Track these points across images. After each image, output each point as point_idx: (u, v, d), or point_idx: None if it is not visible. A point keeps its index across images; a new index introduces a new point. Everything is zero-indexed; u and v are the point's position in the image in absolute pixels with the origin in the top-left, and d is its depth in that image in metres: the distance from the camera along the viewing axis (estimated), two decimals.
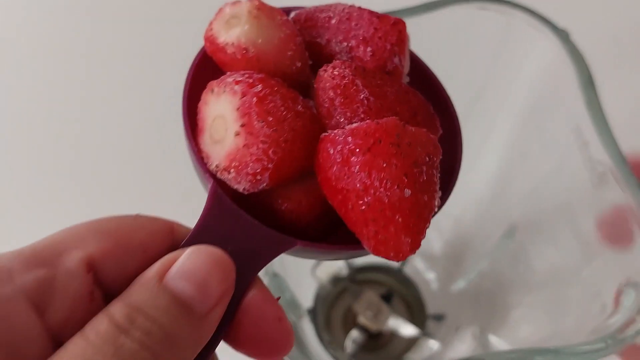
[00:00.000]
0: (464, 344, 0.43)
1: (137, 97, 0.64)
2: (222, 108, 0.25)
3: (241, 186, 0.25)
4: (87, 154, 0.61)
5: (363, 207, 0.23)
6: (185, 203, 0.57)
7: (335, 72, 0.26)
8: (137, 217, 0.23)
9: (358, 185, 0.23)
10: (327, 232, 0.27)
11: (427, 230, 0.45)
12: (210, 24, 0.28)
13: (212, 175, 0.25)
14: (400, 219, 0.23)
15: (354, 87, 0.25)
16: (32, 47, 0.69)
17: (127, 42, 0.69)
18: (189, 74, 0.29)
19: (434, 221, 0.47)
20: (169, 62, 0.67)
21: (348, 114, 0.25)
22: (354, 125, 0.24)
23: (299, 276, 0.47)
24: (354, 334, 0.47)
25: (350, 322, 0.47)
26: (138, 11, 0.71)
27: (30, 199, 0.59)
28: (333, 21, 0.28)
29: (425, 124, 0.28)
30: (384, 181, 0.23)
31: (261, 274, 0.34)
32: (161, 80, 0.65)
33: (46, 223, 0.56)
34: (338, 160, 0.23)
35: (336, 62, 0.26)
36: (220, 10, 0.28)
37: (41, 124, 0.63)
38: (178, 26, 0.69)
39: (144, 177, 0.60)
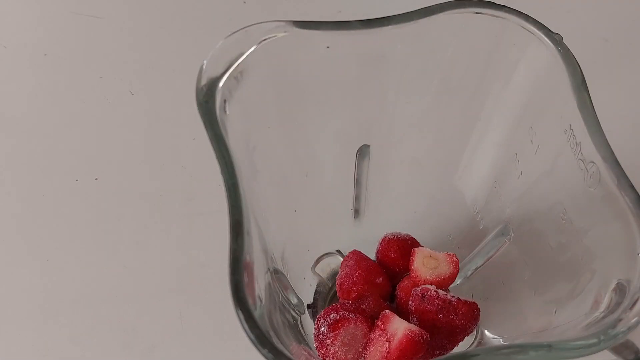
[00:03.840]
0: None
1: (140, 97, 0.65)
2: None
3: None
4: (89, 154, 0.61)
5: None
6: (187, 204, 0.58)
7: None
8: None
9: None
10: None
11: (424, 230, 0.46)
12: None
13: None
14: None
15: None
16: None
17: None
18: None
19: (430, 221, 0.48)
20: (176, 57, 0.67)
21: None
22: None
23: (300, 273, 0.48)
24: None
25: None
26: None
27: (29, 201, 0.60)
28: None
29: None
30: None
31: (262, 271, 0.36)
32: (166, 81, 0.65)
33: (49, 220, 0.57)
34: None
35: None
36: None
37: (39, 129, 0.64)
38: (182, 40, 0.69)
39: (145, 178, 0.60)
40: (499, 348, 0.28)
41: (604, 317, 0.30)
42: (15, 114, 0.64)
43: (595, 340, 0.27)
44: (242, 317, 0.27)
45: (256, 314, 0.28)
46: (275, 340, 0.29)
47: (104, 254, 0.56)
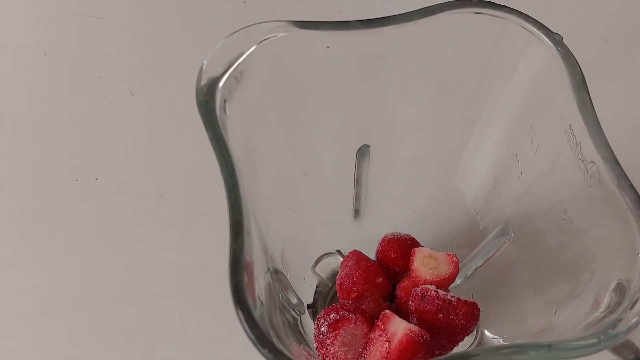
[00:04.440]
0: None
1: (140, 97, 0.65)
2: None
3: None
4: (89, 154, 0.61)
5: None
6: (187, 204, 0.58)
7: None
8: None
9: None
10: None
11: (424, 230, 0.46)
12: None
13: None
14: None
15: None
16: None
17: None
18: None
19: (430, 221, 0.48)
20: (177, 54, 0.67)
21: None
22: None
23: (300, 273, 0.48)
24: None
25: None
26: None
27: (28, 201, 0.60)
28: None
29: None
30: None
31: (262, 271, 0.35)
32: (166, 81, 0.65)
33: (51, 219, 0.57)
34: None
35: None
36: None
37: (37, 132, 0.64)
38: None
39: (145, 178, 0.60)
40: (499, 348, 0.28)
41: (604, 317, 0.30)
42: (15, 114, 0.64)
43: (595, 340, 0.27)
44: (242, 317, 0.27)
45: (256, 314, 0.28)
46: (275, 340, 0.29)
47: (104, 254, 0.56)
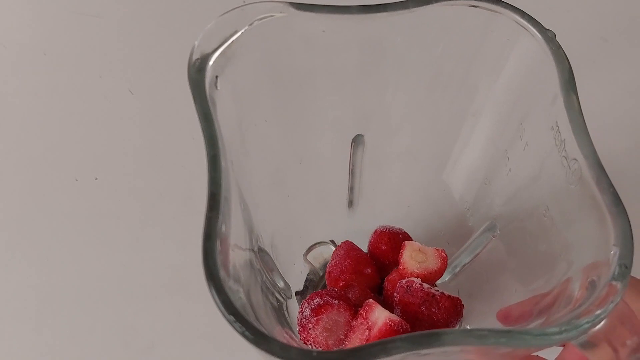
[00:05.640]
0: None
1: (139, 96, 0.65)
2: None
3: None
4: (89, 154, 0.62)
5: None
6: (187, 203, 0.59)
7: None
8: None
9: None
10: None
11: (416, 225, 0.46)
12: None
13: None
14: None
15: None
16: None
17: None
18: None
19: (423, 216, 0.48)
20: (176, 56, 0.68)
21: None
22: None
23: (290, 259, 0.48)
24: None
25: None
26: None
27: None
28: None
29: None
30: None
31: (243, 247, 0.36)
32: (166, 81, 0.65)
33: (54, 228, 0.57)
34: None
35: None
36: None
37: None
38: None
39: (145, 177, 0.61)
40: (468, 331, 0.28)
41: (572, 311, 0.30)
42: (15, 114, 0.65)
43: (556, 329, 0.27)
44: (211, 284, 0.27)
45: (226, 282, 0.28)
46: (249, 314, 0.29)
47: (104, 253, 0.57)
